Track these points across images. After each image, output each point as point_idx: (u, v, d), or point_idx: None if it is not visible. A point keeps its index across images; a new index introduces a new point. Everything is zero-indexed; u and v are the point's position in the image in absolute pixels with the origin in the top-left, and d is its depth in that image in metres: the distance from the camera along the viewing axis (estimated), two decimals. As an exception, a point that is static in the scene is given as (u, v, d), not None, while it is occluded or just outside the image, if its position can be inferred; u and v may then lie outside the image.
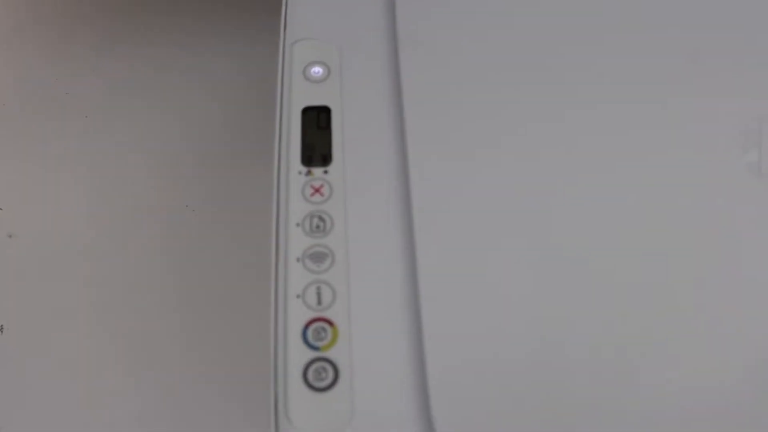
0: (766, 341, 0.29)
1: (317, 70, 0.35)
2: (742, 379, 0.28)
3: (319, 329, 0.29)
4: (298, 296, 0.30)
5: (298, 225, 0.31)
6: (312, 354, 0.29)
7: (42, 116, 0.53)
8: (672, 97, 0.33)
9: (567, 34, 0.35)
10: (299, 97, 0.34)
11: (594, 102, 0.33)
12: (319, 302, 0.30)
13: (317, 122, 0.33)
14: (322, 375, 0.28)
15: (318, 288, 0.30)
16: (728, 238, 0.31)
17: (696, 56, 0.34)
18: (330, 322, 0.29)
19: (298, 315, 0.29)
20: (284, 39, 0.36)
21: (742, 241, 0.31)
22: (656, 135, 0.33)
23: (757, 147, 0.32)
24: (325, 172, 0.32)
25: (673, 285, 0.30)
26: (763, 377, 0.28)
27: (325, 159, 0.33)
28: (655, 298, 0.29)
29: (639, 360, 0.28)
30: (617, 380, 0.28)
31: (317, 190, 0.32)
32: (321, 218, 0.31)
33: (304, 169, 0.32)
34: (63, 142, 0.51)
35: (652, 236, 0.31)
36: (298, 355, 0.29)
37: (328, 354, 0.29)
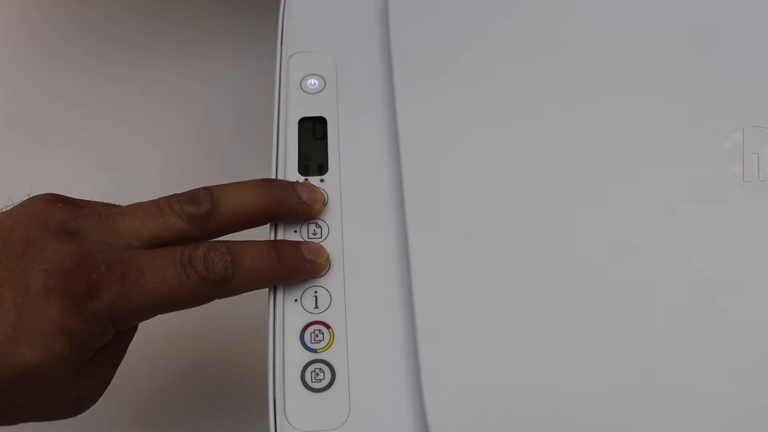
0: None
1: (313, 82, 0.35)
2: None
3: (316, 332, 0.30)
4: (296, 300, 0.30)
5: (296, 232, 0.32)
6: (309, 356, 0.29)
7: (45, 123, 0.53)
8: (669, 101, 0.33)
9: (562, 43, 0.35)
10: (296, 109, 0.34)
11: (591, 110, 0.33)
12: (317, 306, 0.30)
13: (313, 133, 0.34)
14: (319, 376, 0.29)
15: (315, 292, 0.30)
16: (730, 246, 0.30)
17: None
18: (327, 325, 0.30)
19: (296, 318, 0.30)
20: (281, 52, 0.36)
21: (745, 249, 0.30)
22: (654, 140, 0.32)
23: (756, 154, 0.32)
24: (322, 180, 0.33)
25: (671, 290, 0.30)
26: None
27: (322, 168, 0.33)
28: (656, 300, 0.29)
29: (640, 363, 0.28)
30: (616, 385, 0.28)
31: (314, 199, 0.32)
32: (318, 225, 0.32)
33: (301, 178, 0.33)
34: (66, 149, 0.51)
35: (651, 236, 0.31)
36: (296, 356, 0.29)
37: (325, 356, 0.29)
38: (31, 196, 0.29)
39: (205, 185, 0.30)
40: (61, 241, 0.27)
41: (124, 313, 0.27)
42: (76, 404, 0.28)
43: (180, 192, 0.30)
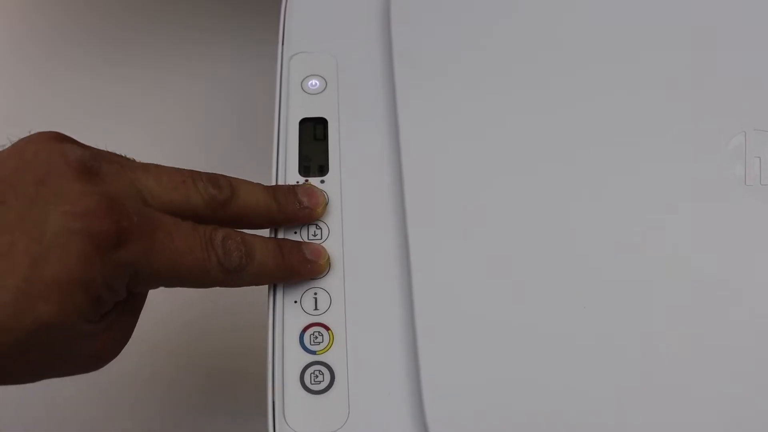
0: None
1: (314, 83, 0.35)
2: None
3: (315, 334, 0.30)
4: (295, 302, 0.30)
5: (296, 233, 0.31)
6: (309, 358, 0.29)
7: (45, 123, 0.53)
8: (669, 101, 0.33)
9: (563, 43, 0.35)
10: (297, 109, 0.34)
11: (591, 110, 0.33)
12: (316, 308, 0.30)
13: (314, 133, 0.34)
14: (318, 378, 0.29)
15: (315, 294, 0.30)
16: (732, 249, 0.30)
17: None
18: (326, 327, 0.30)
19: (295, 320, 0.30)
20: (282, 52, 0.36)
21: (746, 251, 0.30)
22: (653, 139, 0.32)
23: (758, 158, 0.32)
24: (322, 181, 0.32)
25: (668, 287, 0.30)
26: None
27: (322, 169, 0.33)
28: (657, 299, 0.29)
29: (640, 362, 0.28)
30: (616, 385, 0.28)
31: (314, 200, 0.32)
32: (318, 227, 0.32)
33: (301, 179, 0.33)
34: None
35: (652, 238, 0.30)
36: (296, 358, 0.29)
37: (324, 358, 0.29)
38: (32, 132, 0.27)
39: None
40: (83, 182, 0.25)
41: (144, 272, 0.26)
42: (95, 359, 0.27)
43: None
